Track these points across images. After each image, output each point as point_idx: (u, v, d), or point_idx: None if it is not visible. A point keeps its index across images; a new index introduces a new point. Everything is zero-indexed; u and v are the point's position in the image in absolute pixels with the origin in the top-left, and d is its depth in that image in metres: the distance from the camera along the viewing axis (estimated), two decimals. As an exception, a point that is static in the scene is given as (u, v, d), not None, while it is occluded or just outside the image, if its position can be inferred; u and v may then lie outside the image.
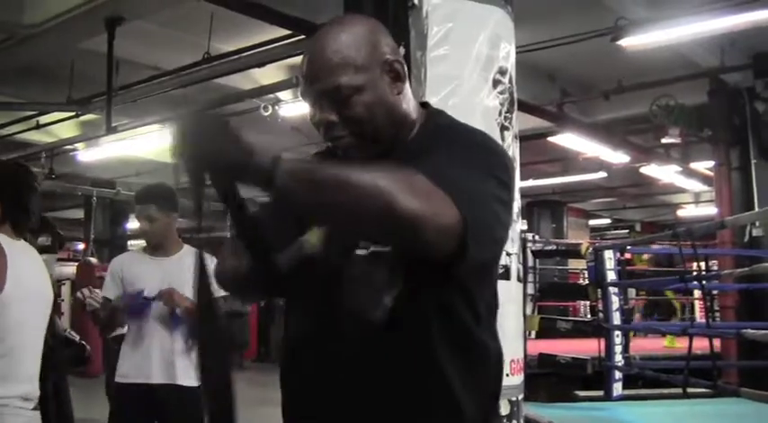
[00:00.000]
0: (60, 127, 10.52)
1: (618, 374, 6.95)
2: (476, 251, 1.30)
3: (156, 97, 8.53)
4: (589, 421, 5.52)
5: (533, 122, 8.98)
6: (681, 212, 18.58)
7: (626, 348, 7.35)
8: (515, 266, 3.12)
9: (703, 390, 5.54)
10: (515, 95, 3.17)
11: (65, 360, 4.38)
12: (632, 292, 12.36)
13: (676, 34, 6.81)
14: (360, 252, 1.48)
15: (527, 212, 15.79)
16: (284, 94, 8.33)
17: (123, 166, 12.64)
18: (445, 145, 1.49)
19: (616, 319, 7.21)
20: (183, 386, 3.69)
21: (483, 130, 1.63)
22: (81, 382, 7.56)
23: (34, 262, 2.84)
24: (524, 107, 7.35)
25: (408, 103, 1.59)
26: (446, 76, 2.93)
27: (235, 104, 8.62)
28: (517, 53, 3.23)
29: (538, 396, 6.36)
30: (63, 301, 11.17)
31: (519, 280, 3.23)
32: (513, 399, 3.00)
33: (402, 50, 2.93)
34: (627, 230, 21.37)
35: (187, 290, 3.73)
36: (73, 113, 9.46)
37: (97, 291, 4.02)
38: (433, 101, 2.85)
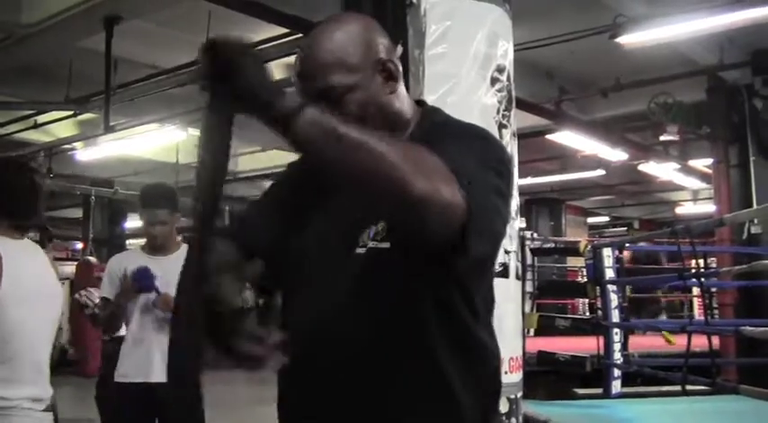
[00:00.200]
0: (58, 126, 10.52)
1: (617, 372, 6.95)
2: (476, 243, 1.30)
3: (154, 96, 8.53)
4: (588, 419, 5.52)
5: (531, 120, 8.97)
6: (679, 210, 18.58)
7: (625, 346, 7.35)
8: (514, 264, 3.12)
9: (702, 387, 5.54)
10: (513, 93, 3.17)
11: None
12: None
13: (674, 32, 6.81)
14: (359, 251, 1.49)
15: (525, 210, 15.79)
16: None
17: (121, 165, 12.64)
18: (445, 138, 1.48)
19: (615, 316, 7.22)
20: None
21: (479, 125, 1.63)
22: (79, 382, 7.57)
23: (37, 261, 2.82)
24: (522, 105, 7.34)
25: (402, 102, 1.59)
26: (444, 75, 2.93)
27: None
28: (515, 51, 3.23)
29: (537, 394, 6.35)
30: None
31: (518, 278, 3.24)
32: (512, 396, 3.01)
33: (400, 49, 2.93)
34: (625, 228, 21.39)
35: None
36: (71, 113, 9.46)
37: (93, 290, 4.02)
38: (431, 99, 2.86)
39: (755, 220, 8.26)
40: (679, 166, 12.62)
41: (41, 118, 10.18)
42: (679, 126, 9.43)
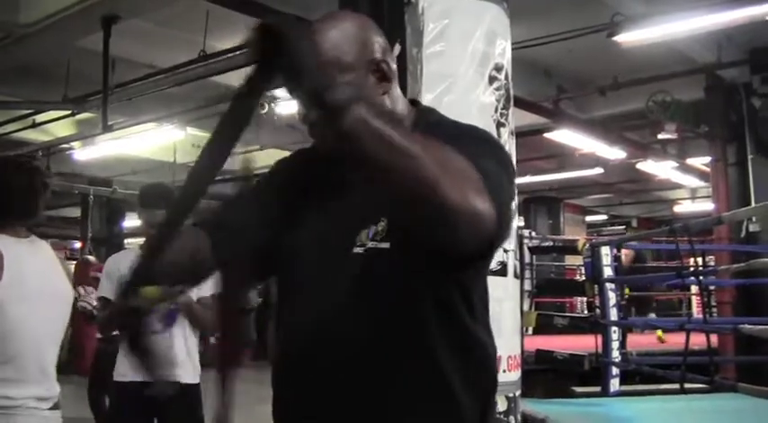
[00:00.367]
0: (56, 126, 10.50)
1: (615, 370, 6.96)
2: (495, 250, 1.32)
3: (152, 96, 8.52)
4: (586, 417, 5.51)
5: (529, 119, 8.97)
6: (677, 208, 18.59)
7: (623, 344, 7.36)
8: (512, 263, 3.12)
9: (700, 385, 5.55)
10: (511, 92, 3.17)
11: None
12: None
13: (672, 30, 6.81)
14: (358, 250, 1.48)
15: (524, 209, 15.78)
16: (281, 92, 8.33)
17: (119, 164, 12.63)
18: (452, 139, 1.48)
19: (613, 314, 7.22)
20: (184, 383, 3.70)
21: (478, 126, 1.63)
22: (76, 381, 7.56)
23: (42, 260, 2.81)
24: (520, 103, 7.32)
25: (395, 103, 1.58)
26: (442, 73, 2.93)
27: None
28: (513, 49, 3.23)
29: (535, 392, 6.35)
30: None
31: (516, 276, 3.24)
32: (511, 395, 3.01)
33: (398, 47, 2.93)
34: (623, 226, 21.40)
35: (184, 287, 3.75)
36: (69, 112, 9.45)
37: (90, 289, 4.02)
38: (429, 97, 2.86)
39: (753, 219, 8.27)
40: (677, 165, 12.62)
41: (39, 117, 10.16)
42: (677, 124, 9.42)
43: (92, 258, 11.48)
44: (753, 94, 8.79)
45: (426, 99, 2.85)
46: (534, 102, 8.86)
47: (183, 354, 3.72)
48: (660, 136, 10.17)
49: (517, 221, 3.64)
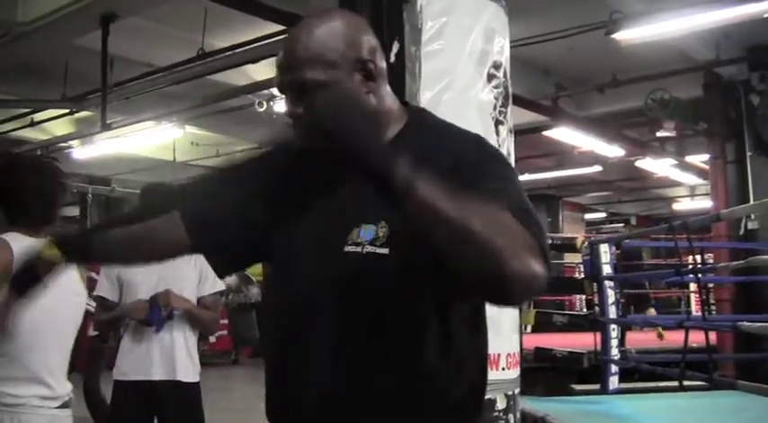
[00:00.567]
0: (55, 124, 10.51)
1: (614, 368, 6.96)
2: None
3: (151, 94, 8.52)
4: (585, 415, 5.51)
5: (528, 117, 8.98)
6: (676, 206, 18.62)
7: (622, 342, 7.36)
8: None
9: (700, 383, 5.54)
10: (510, 90, 3.17)
11: None
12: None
13: (671, 28, 6.81)
14: (355, 251, 1.47)
15: (523, 207, 15.77)
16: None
17: (118, 163, 12.62)
18: (479, 167, 1.47)
19: (612, 312, 7.22)
20: (183, 382, 3.70)
21: (477, 133, 1.62)
22: (74, 379, 7.56)
23: None
24: (519, 101, 7.33)
25: (381, 103, 1.57)
26: (440, 71, 2.93)
27: (229, 100, 8.62)
28: (512, 47, 3.23)
29: (534, 390, 6.35)
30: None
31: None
32: (510, 393, 3.01)
33: (396, 46, 2.93)
34: (622, 224, 21.43)
35: (184, 284, 3.75)
36: (67, 111, 9.46)
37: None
38: (428, 95, 2.86)
39: (752, 216, 8.27)
40: (676, 162, 12.64)
41: (38, 116, 10.16)
42: (676, 122, 9.42)
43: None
44: (751, 92, 8.79)
45: (425, 97, 2.85)
46: (533, 100, 8.87)
47: (183, 352, 3.72)
48: (659, 134, 10.18)
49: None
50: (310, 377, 1.49)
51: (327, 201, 1.54)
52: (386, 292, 1.45)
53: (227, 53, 7.45)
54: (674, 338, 7.27)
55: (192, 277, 3.77)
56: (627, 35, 6.83)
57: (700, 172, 12.63)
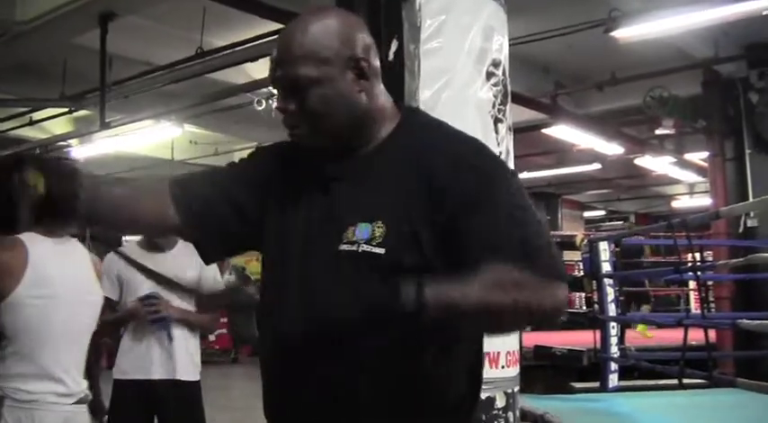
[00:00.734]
0: (54, 123, 10.50)
1: (614, 366, 6.96)
2: None
3: (150, 93, 8.51)
4: (585, 413, 5.52)
5: (527, 115, 8.98)
6: (675, 203, 18.62)
7: (621, 340, 7.36)
8: (510, 259, 3.11)
9: (699, 381, 5.55)
10: (509, 88, 3.17)
11: None
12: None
13: (670, 25, 6.81)
14: (346, 247, 1.47)
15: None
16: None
17: (117, 161, 12.59)
18: (467, 173, 1.48)
19: (611, 310, 7.23)
20: (183, 381, 3.70)
21: (477, 138, 1.61)
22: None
23: (74, 262, 2.82)
24: (518, 99, 7.35)
25: (374, 101, 1.56)
26: (439, 69, 2.92)
27: (228, 99, 8.61)
28: (511, 45, 3.22)
29: (534, 388, 6.36)
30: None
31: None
32: (509, 391, 3.00)
33: (395, 44, 2.93)
34: (622, 222, 21.42)
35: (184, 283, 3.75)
36: (66, 109, 9.45)
37: None
38: (427, 94, 2.85)
39: (751, 213, 8.28)
40: (675, 160, 12.63)
41: (37, 115, 10.16)
42: (675, 120, 9.42)
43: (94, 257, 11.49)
44: (750, 89, 8.79)
45: (424, 95, 2.85)
46: (532, 97, 8.87)
47: (183, 352, 3.72)
48: (658, 131, 10.18)
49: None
50: (308, 377, 1.49)
51: (322, 198, 1.54)
52: (381, 288, 1.44)
53: (226, 52, 7.44)
54: (674, 336, 7.27)
55: (192, 277, 3.77)
56: (626, 33, 6.83)
57: (699, 169, 12.63)
